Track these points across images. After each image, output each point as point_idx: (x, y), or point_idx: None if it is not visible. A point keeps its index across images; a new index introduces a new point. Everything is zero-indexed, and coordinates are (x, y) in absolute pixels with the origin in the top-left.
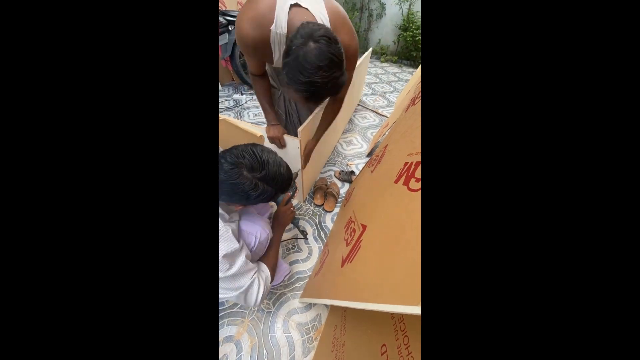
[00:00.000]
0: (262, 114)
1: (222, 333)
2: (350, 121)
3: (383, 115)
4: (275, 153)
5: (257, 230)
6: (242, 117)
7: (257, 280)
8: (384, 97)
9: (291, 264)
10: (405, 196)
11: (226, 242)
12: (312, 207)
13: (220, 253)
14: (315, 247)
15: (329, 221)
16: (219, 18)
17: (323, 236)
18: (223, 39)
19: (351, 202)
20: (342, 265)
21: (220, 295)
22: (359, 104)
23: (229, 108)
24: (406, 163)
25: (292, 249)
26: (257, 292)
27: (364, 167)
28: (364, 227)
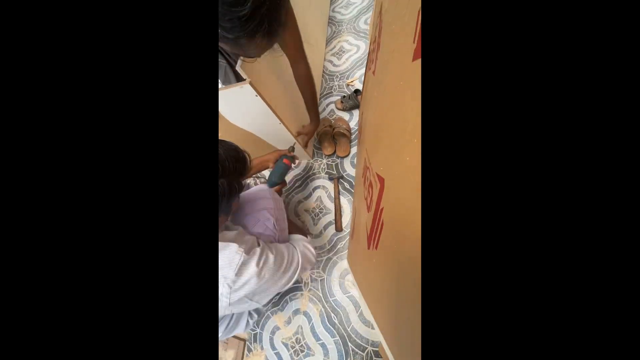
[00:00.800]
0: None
1: (289, 309)
2: (331, 20)
3: None
4: (229, 143)
5: (263, 219)
6: None
7: (298, 249)
8: None
9: (325, 227)
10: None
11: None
12: (324, 161)
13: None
14: (345, 202)
15: (349, 168)
16: None
17: (349, 187)
18: None
19: (363, 133)
20: (369, 247)
21: (284, 288)
22: None
23: None
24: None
25: (321, 212)
26: (310, 252)
27: (365, 74)
28: (382, 180)
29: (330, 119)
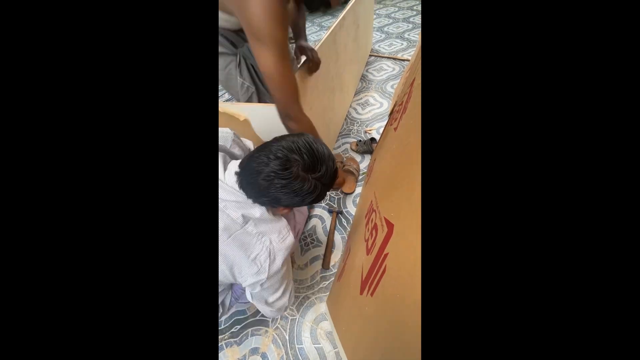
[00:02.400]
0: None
1: (247, 345)
2: (363, 78)
3: (404, 60)
4: (326, 145)
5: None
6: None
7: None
8: (402, 38)
9: (312, 261)
10: None
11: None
12: (327, 192)
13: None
14: (338, 238)
15: (350, 206)
16: None
17: (346, 224)
18: None
19: (372, 177)
20: (362, 293)
21: (260, 304)
22: (370, 54)
23: None
24: None
25: (312, 243)
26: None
27: (384, 128)
28: (391, 226)
29: (343, 156)
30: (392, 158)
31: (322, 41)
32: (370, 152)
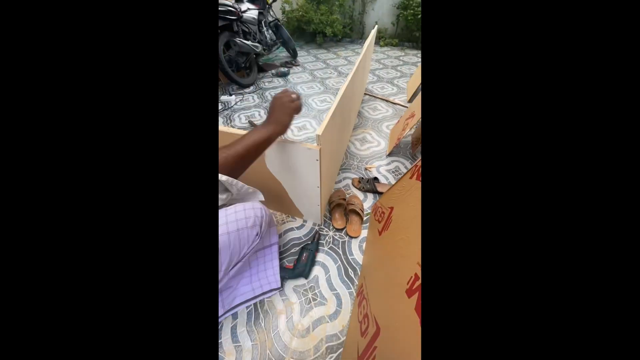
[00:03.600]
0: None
1: None
2: (360, 114)
3: (397, 104)
4: None
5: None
6: (233, 121)
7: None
8: (392, 84)
9: (315, 324)
10: None
11: None
12: (331, 233)
13: None
14: (346, 295)
15: (356, 251)
16: None
17: (352, 275)
18: None
19: (363, 261)
20: None
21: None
22: (365, 93)
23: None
24: None
25: (314, 299)
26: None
27: (370, 221)
28: (379, 328)
29: (345, 192)
30: (379, 262)
31: (345, 85)
32: (374, 191)
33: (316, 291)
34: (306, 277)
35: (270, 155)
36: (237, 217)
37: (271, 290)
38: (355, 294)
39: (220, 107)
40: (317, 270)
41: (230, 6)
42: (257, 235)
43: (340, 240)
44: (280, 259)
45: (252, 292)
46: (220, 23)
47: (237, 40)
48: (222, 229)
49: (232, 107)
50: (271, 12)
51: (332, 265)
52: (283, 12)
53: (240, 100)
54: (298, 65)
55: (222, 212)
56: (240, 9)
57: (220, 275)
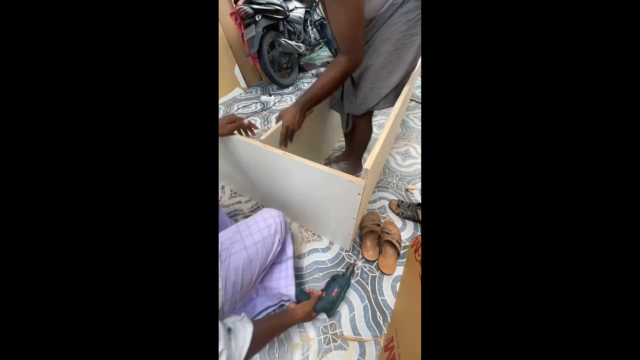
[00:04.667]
0: None
1: None
2: (403, 123)
3: None
4: None
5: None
6: (270, 122)
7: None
8: None
9: None
10: None
11: None
12: (360, 264)
13: None
14: (371, 344)
15: (388, 292)
16: (244, 7)
17: (381, 321)
18: (249, 33)
19: (394, 313)
20: None
21: None
22: (412, 99)
23: (255, 112)
24: None
25: (334, 341)
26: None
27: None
28: None
29: (380, 216)
30: (418, 315)
31: (396, 109)
32: (415, 220)
33: (337, 331)
34: (330, 316)
35: (310, 177)
36: (259, 227)
37: (288, 300)
38: (382, 346)
39: (259, 107)
40: (340, 306)
41: (278, 5)
42: (279, 241)
43: (370, 274)
44: (302, 282)
45: (269, 301)
46: (267, 23)
47: (282, 40)
48: (249, 240)
49: (270, 107)
50: (317, 11)
51: (358, 304)
52: None
53: (279, 100)
54: None
55: (243, 225)
56: (288, 8)
57: (252, 285)
